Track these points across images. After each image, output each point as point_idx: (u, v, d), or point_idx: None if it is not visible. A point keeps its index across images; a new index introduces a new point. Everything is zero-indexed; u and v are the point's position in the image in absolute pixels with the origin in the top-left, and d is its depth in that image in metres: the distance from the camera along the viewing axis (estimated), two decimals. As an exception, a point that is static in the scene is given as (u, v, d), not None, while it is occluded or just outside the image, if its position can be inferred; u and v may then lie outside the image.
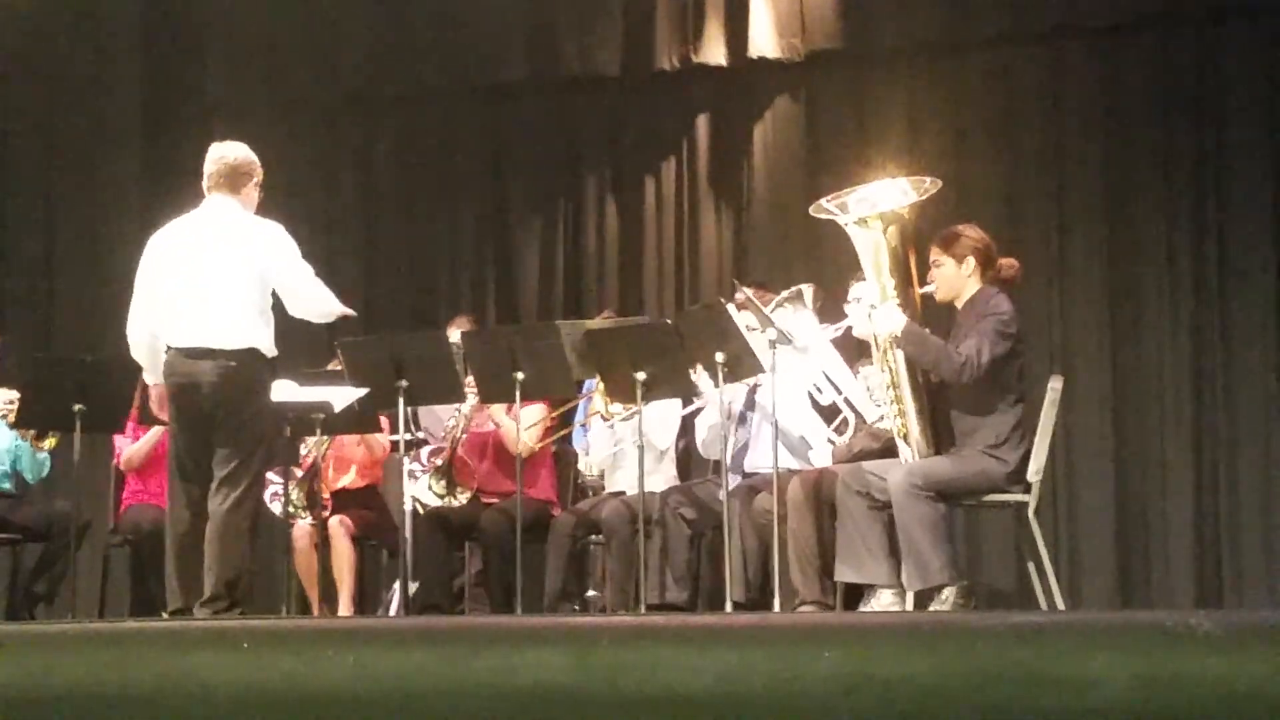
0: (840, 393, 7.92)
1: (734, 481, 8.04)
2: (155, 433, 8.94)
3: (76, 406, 8.28)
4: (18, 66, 11.60)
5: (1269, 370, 9.78)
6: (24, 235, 11.71)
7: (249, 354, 7.37)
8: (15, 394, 8.67)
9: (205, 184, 7.60)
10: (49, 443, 8.99)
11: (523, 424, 8.56)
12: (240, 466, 7.32)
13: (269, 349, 7.47)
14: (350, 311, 7.82)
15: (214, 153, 7.65)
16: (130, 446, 9.19)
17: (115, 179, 11.55)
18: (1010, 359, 7.19)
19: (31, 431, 8.98)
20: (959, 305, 7.38)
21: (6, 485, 9.17)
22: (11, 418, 8.71)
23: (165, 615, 7.45)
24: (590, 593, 8.63)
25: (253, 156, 7.66)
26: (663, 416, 8.65)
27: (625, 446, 8.66)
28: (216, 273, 7.42)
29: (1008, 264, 7.44)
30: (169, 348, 7.44)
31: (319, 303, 7.66)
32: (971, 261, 7.33)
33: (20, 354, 9.28)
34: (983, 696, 3.91)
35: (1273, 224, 9.86)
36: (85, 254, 11.47)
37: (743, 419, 8.30)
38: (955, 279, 7.35)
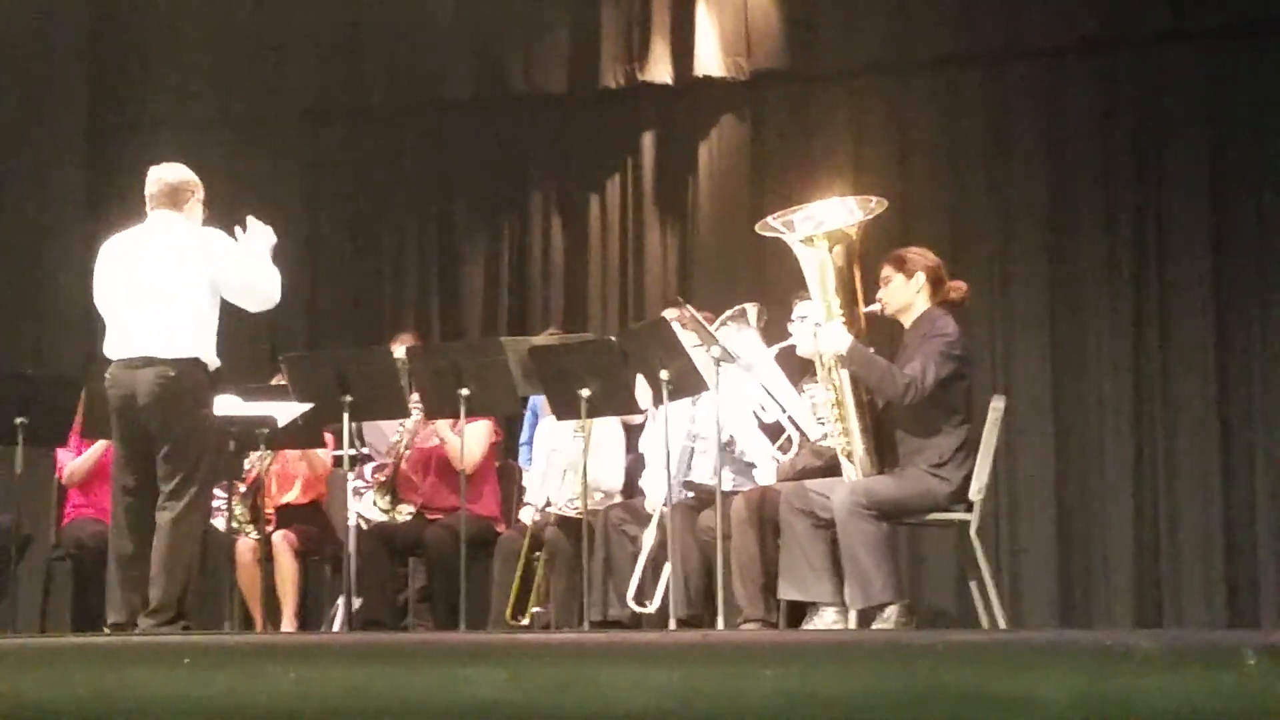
0: (784, 411, 7.94)
1: (678, 497, 8.06)
2: (98, 447, 8.90)
3: (19, 420, 8.23)
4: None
5: (1208, 390, 9.85)
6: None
7: (189, 363, 7.34)
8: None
9: (148, 205, 7.61)
10: (-11, 456, 8.93)
11: (468, 440, 8.56)
12: (184, 480, 7.29)
13: (210, 359, 7.44)
14: (275, 297, 7.72)
15: (153, 174, 7.65)
16: (73, 460, 9.15)
17: (58, 192, 11.49)
18: (955, 380, 7.21)
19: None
20: (906, 323, 7.40)
21: (-53, 499, 9.10)
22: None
23: (106, 629, 7.43)
24: (535, 609, 8.62)
25: (192, 175, 7.66)
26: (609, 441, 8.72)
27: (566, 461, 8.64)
28: (156, 283, 7.40)
29: (955, 286, 7.46)
30: (110, 361, 7.43)
31: (264, 284, 7.59)
32: (921, 278, 7.35)
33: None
34: (925, 714, 3.93)
35: (1212, 245, 9.94)
36: (27, 266, 11.39)
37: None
38: (903, 293, 7.37)
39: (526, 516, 8.83)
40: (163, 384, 7.28)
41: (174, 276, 7.40)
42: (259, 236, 7.63)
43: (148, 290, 7.41)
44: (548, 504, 8.66)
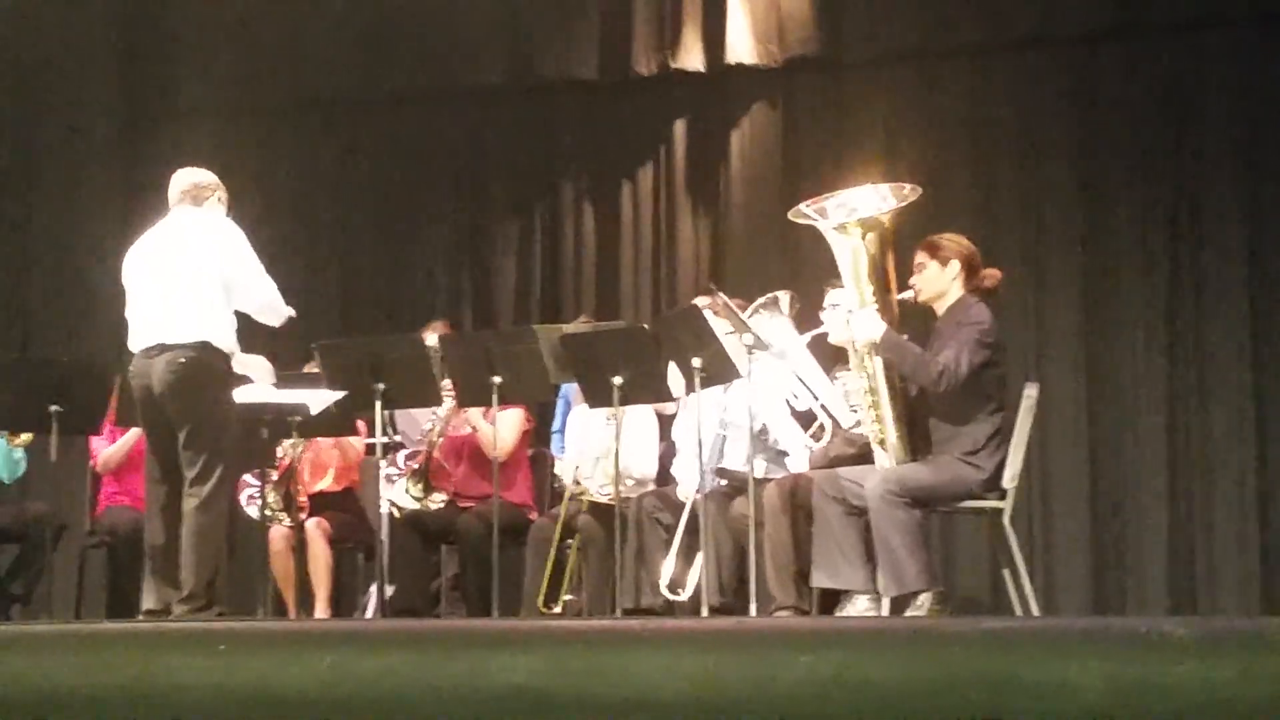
0: (817, 398, 7.93)
1: (710, 485, 8.06)
2: (132, 434, 8.93)
3: (53, 408, 8.27)
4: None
5: (1244, 377, 9.82)
6: (1, 234, 11.67)
7: (201, 346, 7.41)
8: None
9: (170, 203, 7.70)
10: (24, 438, 8.96)
11: (500, 428, 8.57)
12: (206, 464, 7.35)
13: (225, 343, 7.50)
14: (291, 311, 7.84)
15: (176, 176, 7.80)
16: (107, 448, 9.18)
17: (91, 181, 11.54)
18: (989, 368, 7.17)
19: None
20: (939, 310, 7.37)
21: (-18, 486, 9.15)
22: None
23: (141, 616, 7.46)
24: (567, 597, 8.62)
25: (214, 178, 7.81)
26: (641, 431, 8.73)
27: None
28: (171, 273, 7.52)
29: (990, 274, 7.42)
30: (133, 354, 7.50)
31: (269, 300, 7.70)
32: (956, 265, 7.31)
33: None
34: (958, 702, 3.92)
35: (1248, 231, 9.90)
36: (62, 257, 11.44)
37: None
38: (938, 280, 7.33)
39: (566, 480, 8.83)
40: (174, 370, 7.37)
41: (183, 264, 7.52)
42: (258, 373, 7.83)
43: (160, 280, 7.54)
44: (577, 482, 8.67)
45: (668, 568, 8.11)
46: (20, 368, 8.90)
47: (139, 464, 8.39)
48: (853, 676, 4.01)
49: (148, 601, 7.42)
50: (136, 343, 7.54)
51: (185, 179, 7.75)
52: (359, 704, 4.17)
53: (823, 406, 7.91)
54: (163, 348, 7.42)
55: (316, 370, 8.57)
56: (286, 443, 8.80)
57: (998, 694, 3.92)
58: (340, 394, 8.30)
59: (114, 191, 11.40)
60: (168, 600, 7.33)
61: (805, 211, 7.34)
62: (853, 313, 7.30)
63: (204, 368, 7.41)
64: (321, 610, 9.01)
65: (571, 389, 9.01)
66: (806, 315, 8.07)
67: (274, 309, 7.76)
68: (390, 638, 4.69)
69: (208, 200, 7.70)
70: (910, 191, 7.26)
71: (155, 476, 7.52)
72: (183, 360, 7.36)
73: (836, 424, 7.85)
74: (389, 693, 4.19)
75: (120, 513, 9.05)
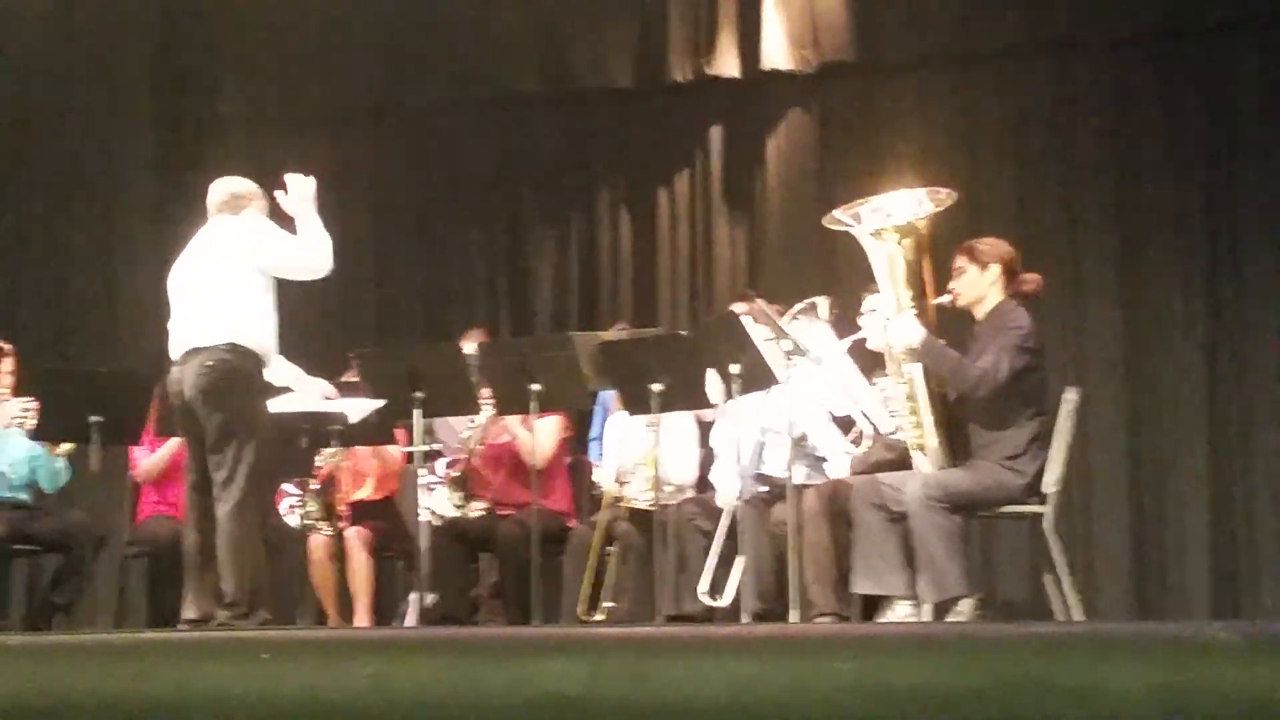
0: (856, 404, 7.92)
1: (750, 491, 8.05)
2: (172, 444, 8.95)
3: (93, 418, 8.31)
4: (34, 74, 11.64)
5: (1284, 379, 9.80)
6: (38, 244, 11.72)
7: (229, 348, 7.41)
8: (33, 401, 8.68)
9: (209, 213, 7.72)
10: (65, 448, 8.99)
11: (539, 435, 8.57)
12: (233, 467, 7.35)
13: (255, 344, 7.49)
14: (330, 256, 7.71)
15: (214, 185, 7.81)
16: (147, 458, 9.20)
17: (129, 189, 11.59)
18: (1029, 373, 7.15)
19: (46, 439, 9.02)
20: (979, 315, 7.35)
21: (24, 496, 9.15)
22: (29, 425, 8.71)
23: (181, 626, 7.48)
24: (608, 604, 8.62)
25: (253, 185, 7.80)
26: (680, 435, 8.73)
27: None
28: (203, 280, 7.55)
29: (1030, 278, 7.39)
30: (172, 363, 7.54)
31: (309, 256, 7.61)
32: (995, 269, 7.29)
33: (35, 365, 9.28)
34: (1002, 707, 3.91)
35: (1287, 234, 9.88)
36: (99, 266, 11.49)
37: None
38: (977, 284, 7.31)
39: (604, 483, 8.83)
40: (202, 373, 7.40)
41: (214, 269, 7.53)
42: (298, 190, 7.65)
43: (193, 287, 7.57)
44: (619, 482, 8.68)
45: (707, 574, 8.11)
46: (61, 378, 8.93)
47: (179, 474, 8.42)
48: (897, 682, 4.00)
49: (189, 610, 7.43)
50: (174, 351, 7.58)
51: (223, 188, 7.76)
52: (403, 711, 4.17)
53: (862, 412, 7.90)
54: (195, 352, 7.44)
55: (355, 379, 8.58)
56: (326, 452, 8.81)
57: (1041, 700, 3.91)
58: (379, 403, 8.32)
59: (151, 201, 11.44)
60: (208, 609, 7.35)
61: (841, 217, 7.34)
62: (890, 318, 7.29)
63: (231, 369, 7.41)
64: (361, 618, 9.03)
65: (609, 396, 9.01)
66: (844, 321, 8.06)
67: (318, 266, 7.66)
68: (433, 645, 4.69)
69: (246, 209, 7.70)
70: (947, 196, 7.26)
71: (194, 485, 7.54)
72: (210, 363, 7.38)
73: (876, 430, 7.84)
74: (431, 700, 4.19)
75: (160, 523, 9.07)
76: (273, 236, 7.59)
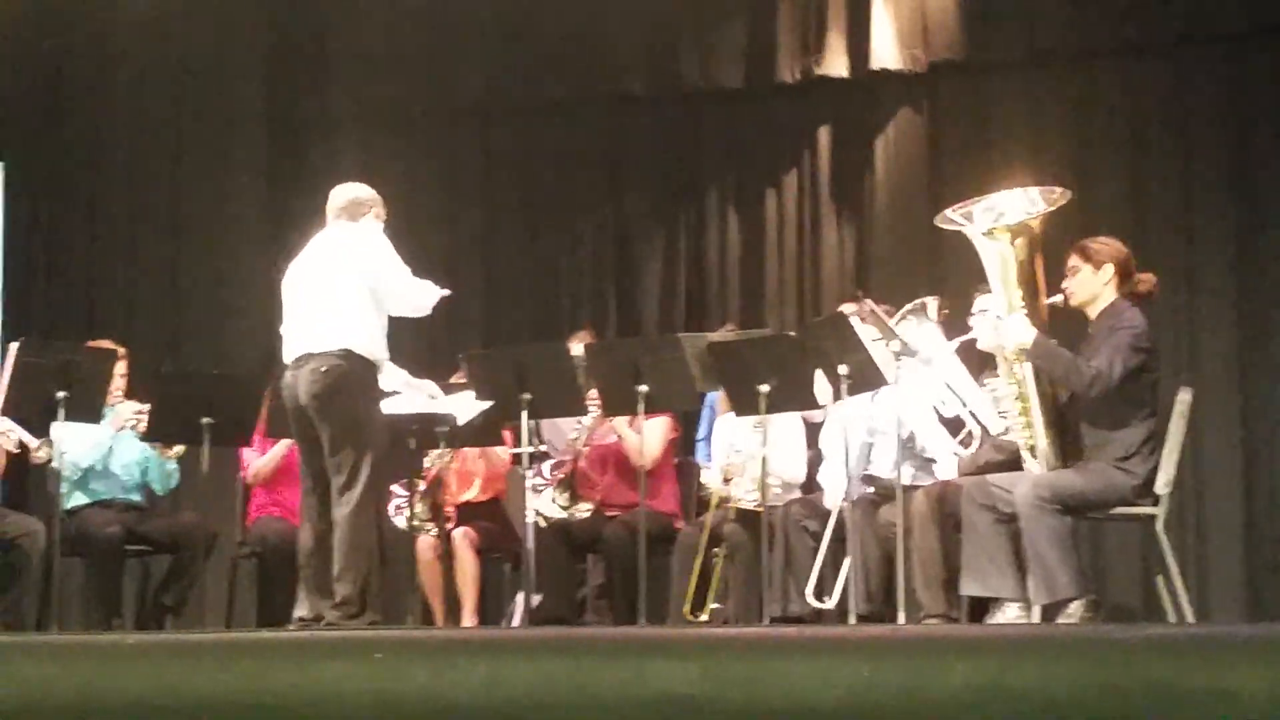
0: (965, 405, 7.87)
1: (858, 493, 8.03)
2: (281, 446, 9.01)
3: (204, 420, 8.38)
4: (148, 78, 11.76)
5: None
6: (151, 246, 11.82)
7: (344, 354, 7.47)
8: (144, 405, 8.77)
9: (328, 218, 7.78)
10: (176, 450, 9.07)
11: (646, 437, 8.57)
12: (352, 471, 7.41)
13: (368, 350, 7.54)
14: (446, 291, 7.86)
15: (335, 191, 7.88)
16: (257, 460, 9.26)
17: (240, 190, 11.67)
18: (1142, 373, 7.08)
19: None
20: (1092, 315, 7.28)
21: (136, 497, 9.24)
22: (142, 427, 8.80)
23: (292, 626, 7.53)
24: (714, 605, 8.61)
25: (372, 192, 7.86)
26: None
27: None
28: (318, 285, 7.61)
29: (1145, 279, 7.31)
30: (285, 367, 7.59)
31: (418, 297, 7.74)
32: (1110, 269, 7.22)
33: (148, 367, 9.38)
34: (1118, 709, 3.87)
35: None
36: (211, 264, 11.58)
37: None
38: (1091, 284, 7.23)
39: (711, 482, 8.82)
40: (316, 378, 7.45)
41: (329, 276, 7.59)
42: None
43: (308, 293, 7.64)
44: (726, 480, 8.66)
45: (814, 576, 8.08)
46: (171, 381, 9.04)
47: (289, 475, 8.50)
48: (1010, 684, 3.96)
49: (300, 610, 7.49)
50: (286, 355, 7.64)
51: (343, 194, 7.83)
52: (516, 711, 4.18)
53: (971, 413, 7.85)
54: (309, 357, 7.50)
55: (463, 380, 8.61)
56: (433, 453, 8.84)
57: (1159, 701, 3.86)
58: (487, 404, 8.34)
59: (261, 205, 11.52)
60: (319, 609, 7.40)
61: (952, 217, 7.30)
62: (1002, 318, 7.23)
63: (346, 374, 7.46)
64: (468, 619, 9.05)
65: (716, 397, 9.00)
66: (954, 321, 8.01)
67: (423, 307, 7.79)
68: (544, 645, 4.70)
69: (364, 216, 7.76)
70: (1060, 195, 7.20)
71: (307, 487, 7.62)
72: (325, 368, 7.43)
73: (985, 430, 7.79)
74: (543, 700, 4.19)
75: (270, 523, 9.12)
76: (389, 265, 7.65)
